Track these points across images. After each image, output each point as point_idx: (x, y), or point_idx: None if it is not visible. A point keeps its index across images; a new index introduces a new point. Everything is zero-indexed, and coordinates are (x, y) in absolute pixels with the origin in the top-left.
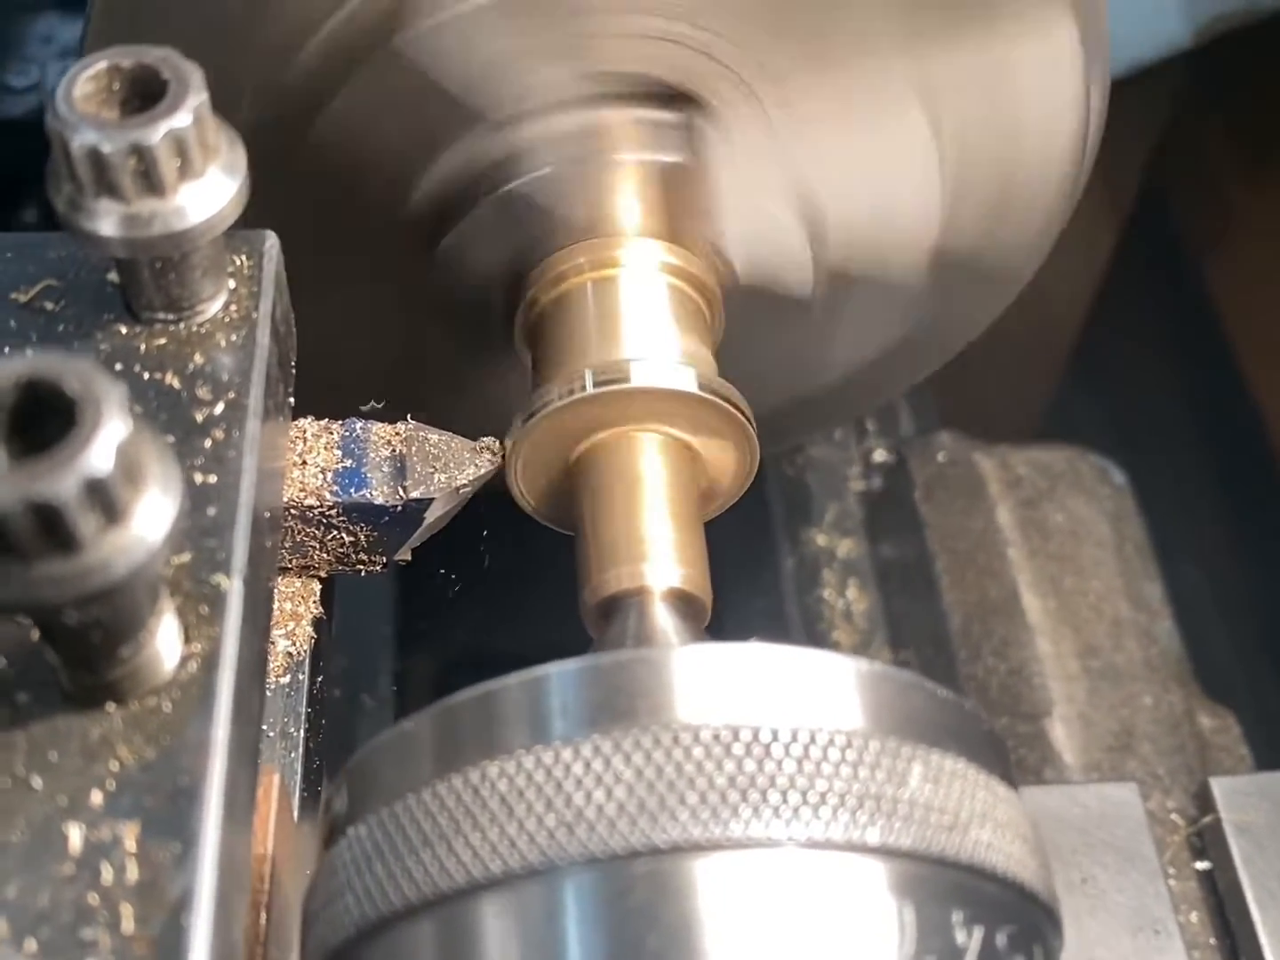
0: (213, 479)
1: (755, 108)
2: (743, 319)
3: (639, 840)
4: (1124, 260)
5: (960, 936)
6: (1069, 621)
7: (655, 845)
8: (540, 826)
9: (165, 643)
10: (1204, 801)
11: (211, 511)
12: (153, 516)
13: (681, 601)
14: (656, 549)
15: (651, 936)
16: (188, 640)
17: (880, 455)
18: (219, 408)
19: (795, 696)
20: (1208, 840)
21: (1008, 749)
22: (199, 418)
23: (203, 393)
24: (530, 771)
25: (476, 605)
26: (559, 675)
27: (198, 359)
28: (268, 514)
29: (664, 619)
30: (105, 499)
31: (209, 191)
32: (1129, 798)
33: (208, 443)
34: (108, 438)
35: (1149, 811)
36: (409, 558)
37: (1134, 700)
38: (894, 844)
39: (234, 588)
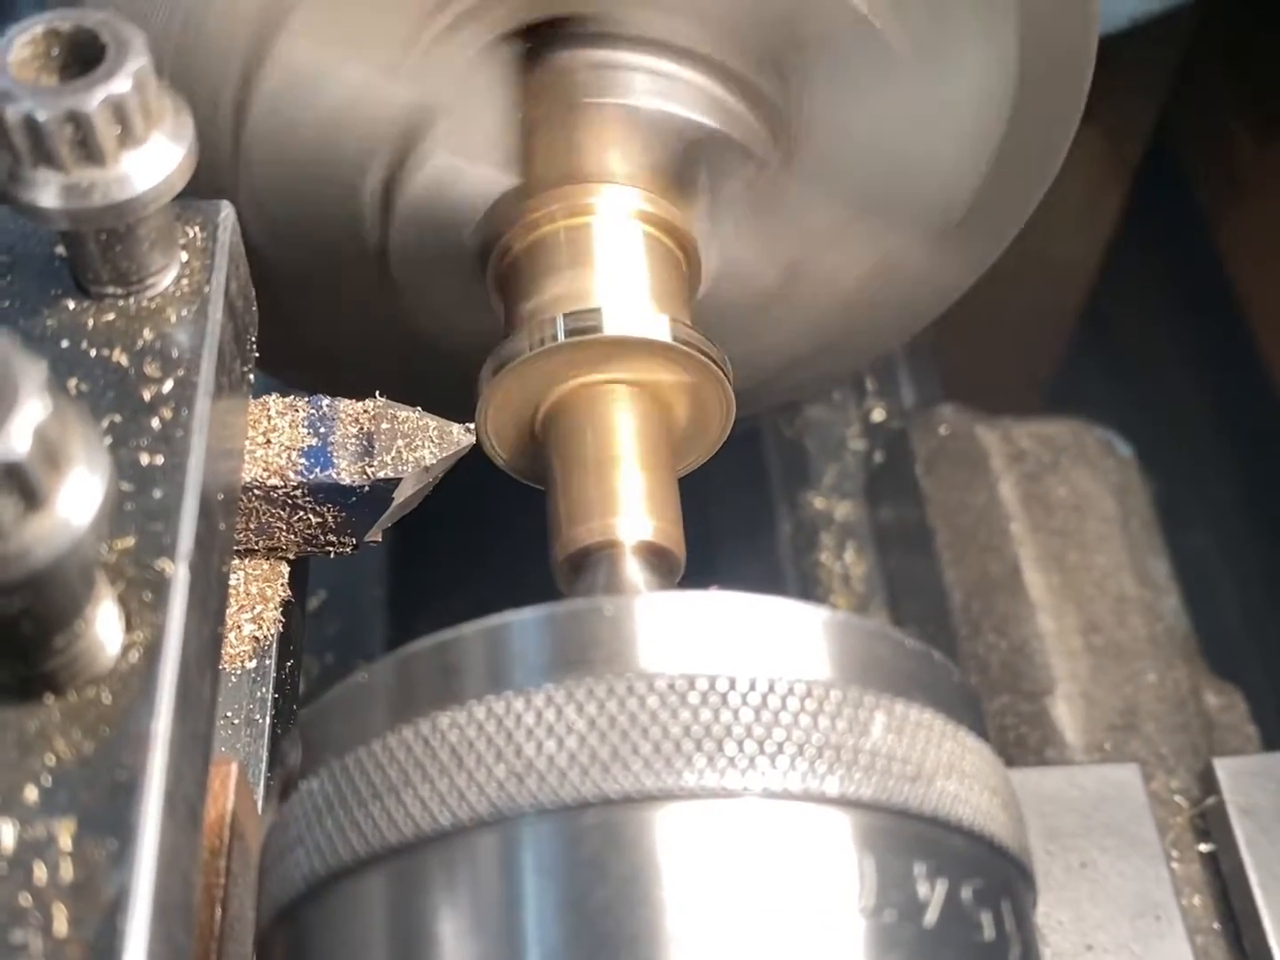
0: (159, 460)
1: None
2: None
3: (589, 790)
4: (1131, 222)
5: (923, 889)
6: (1072, 598)
7: (606, 795)
8: (490, 777)
9: (105, 631)
10: (1208, 782)
11: (157, 494)
12: (78, 501)
13: (653, 555)
14: (628, 502)
15: (600, 888)
16: (130, 628)
17: (879, 415)
18: (168, 385)
19: (756, 645)
20: (1211, 822)
21: (980, 701)
22: (146, 396)
23: (151, 370)
24: (481, 721)
25: (471, 568)
26: (516, 624)
27: (147, 334)
28: (221, 495)
29: (634, 572)
30: (23, 484)
31: (153, 159)
32: (1130, 779)
33: (155, 422)
34: (24, 420)
35: (1152, 792)
36: (379, 538)
37: (1138, 678)
38: (854, 794)
39: (179, 573)
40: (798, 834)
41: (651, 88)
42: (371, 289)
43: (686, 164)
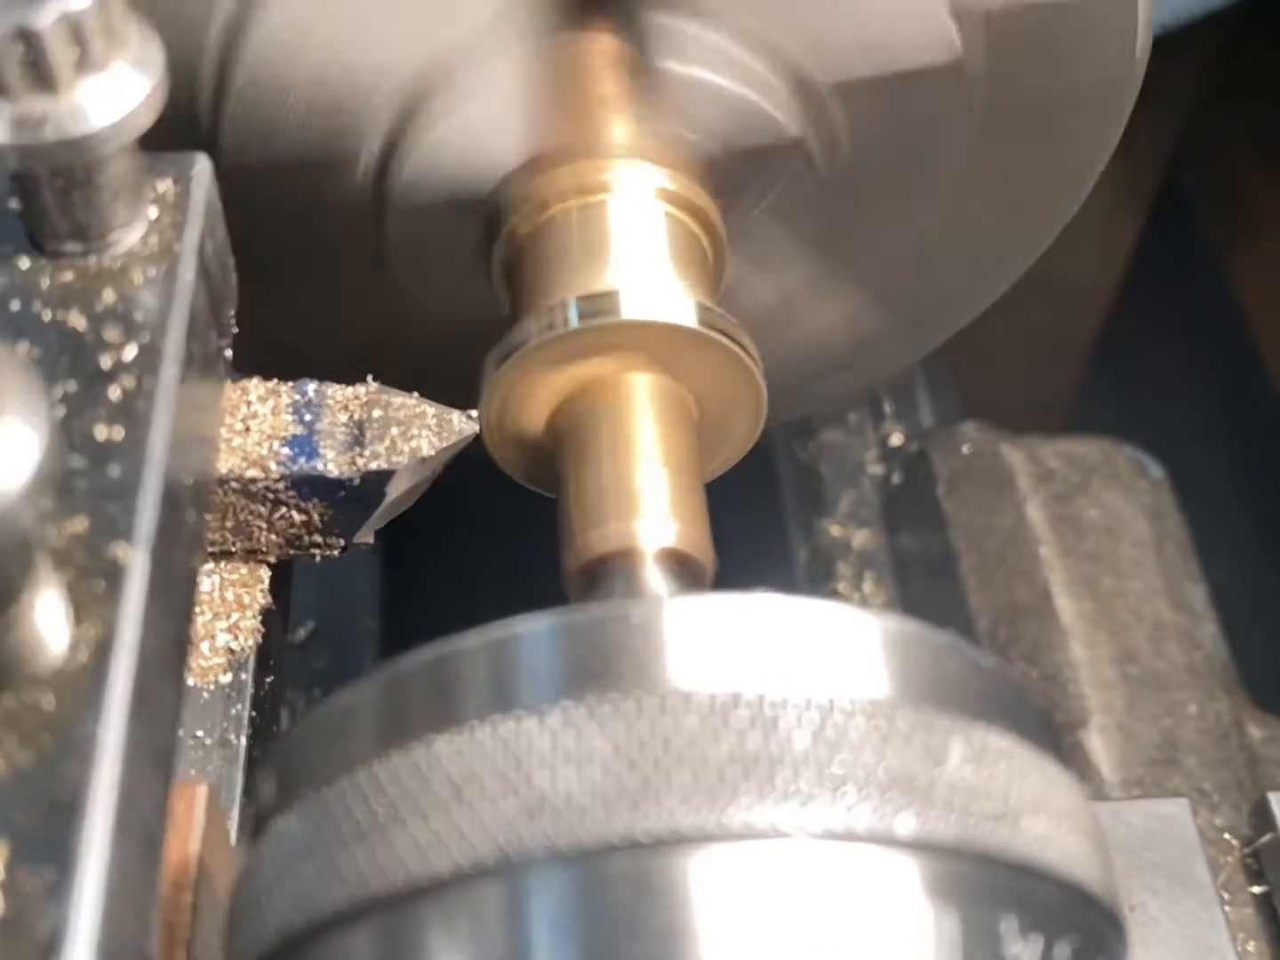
0: (118, 433)
1: None
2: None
3: (616, 830)
4: (1146, 248)
5: (1013, 948)
6: (1106, 625)
7: (635, 837)
8: (496, 814)
9: (47, 625)
10: (1260, 819)
11: (114, 471)
12: (8, 461)
13: (677, 563)
14: (649, 505)
15: (628, 947)
16: (78, 622)
17: (897, 439)
18: (130, 352)
19: (810, 658)
20: (1265, 861)
21: (1057, 728)
22: (106, 363)
23: (111, 335)
24: (486, 747)
25: (473, 597)
26: (525, 634)
27: (108, 296)
28: (190, 481)
29: (657, 583)
30: None
31: (114, 90)
32: (1180, 815)
33: (114, 392)
34: None
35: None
36: (370, 540)
37: (1177, 709)
38: (930, 836)
39: (136, 560)
40: (863, 882)
41: (690, 54)
42: (363, 277)
43: (720, 145)
